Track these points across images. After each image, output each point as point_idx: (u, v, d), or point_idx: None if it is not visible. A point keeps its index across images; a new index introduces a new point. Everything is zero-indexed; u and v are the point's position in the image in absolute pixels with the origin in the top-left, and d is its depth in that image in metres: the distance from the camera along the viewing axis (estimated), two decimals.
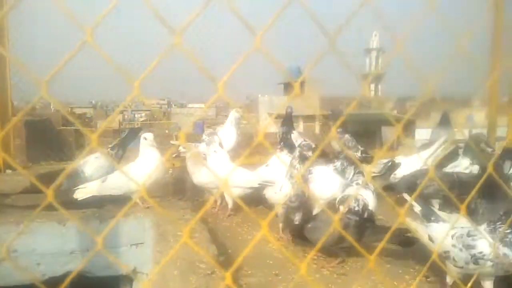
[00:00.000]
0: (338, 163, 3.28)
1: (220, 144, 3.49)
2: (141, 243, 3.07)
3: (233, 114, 4.42)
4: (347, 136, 4.45)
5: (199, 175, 3.62)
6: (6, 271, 2.79)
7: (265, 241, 3.04)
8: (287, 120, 4.51)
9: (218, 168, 3.12)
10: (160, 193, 3.71)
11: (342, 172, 3.25)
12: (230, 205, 3.54)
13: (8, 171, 3.65)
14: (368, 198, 2.83)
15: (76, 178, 3.59)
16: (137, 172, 3.15)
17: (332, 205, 3.16)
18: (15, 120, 3.35)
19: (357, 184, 3.06)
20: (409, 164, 3.52)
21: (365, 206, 2.76)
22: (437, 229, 2.20)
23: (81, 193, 3.30)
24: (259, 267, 2.63)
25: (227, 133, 4.29)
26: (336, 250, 2.69)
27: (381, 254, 2.73)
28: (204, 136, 3.34)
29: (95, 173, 3.64)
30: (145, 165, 3.20)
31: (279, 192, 3.14)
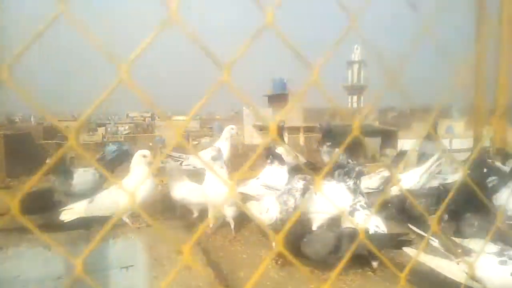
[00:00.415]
0: (351, 182, 3.22)
1: (225, 162, 3.42)
2: (131, 266, 2.96)
3: (229, 131, 4.38)
4: (337, 150, 4.45)
5: (179, 190, 3.60)
6: None
7: (261, 261, 2.98)
8: (278, 134, 4.49)
9: (218, 186, 3.05)
10: (149, 211, 3.61)
11: (354, 191, 3.22)
12: (232, 225, 3.42)
13: None
14: (379, 224, 2.80)
15: (64, 185, 3.66)
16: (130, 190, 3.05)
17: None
18: None
19: (362, 206, 3.00)
20: (404, 180, 3.53)
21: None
22: (485, 265, 1.95)
23: (68, 214, 3.18)
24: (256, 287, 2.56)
25: (222, 148, 4.25)
26: (333, 261, 2.65)
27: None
28: (212, 151, 3.24)
29: (82, 186, 3.66)
30: (137, 183, 3.10)
31: (265, 214, 2.97)
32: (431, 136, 4.94)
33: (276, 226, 2.84)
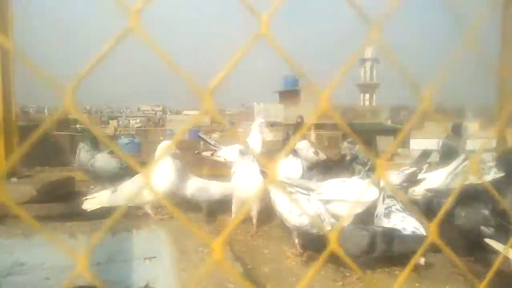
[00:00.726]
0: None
1: (254, 160, 3.35)
2: (154, 257, 2.94)
3: (259, 125, 4.32)
4: (358, 147, 4.38)
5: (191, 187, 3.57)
6: (13, 286, 2.65)
7: (284, 256, 2.95)
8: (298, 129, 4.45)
9: (247, 182, 3.01)
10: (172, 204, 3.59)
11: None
12: (254, 220, 3.37)
13: (13, 179, 3.50)
14: (417, 225, 2.68)
15: (88, 155, 3.73)
16: (155, 181, 3.01)
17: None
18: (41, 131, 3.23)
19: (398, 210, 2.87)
20: (429, 180, 3.44)
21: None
22: None
23: (90, 203, 3.15)
24: (282, 284, 2.53)
25: (254, 142, 4.23)
26: (366, 260, 2.59)
27: None
28: (240, 147, 3.20)
29: (104, 168, 3.70)
30: (163, 174, 3.07)
31: (296, 215, 2.81)
32: (455, 136, 4.84)
33: (304, 229, 2.78)
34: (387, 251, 2.52)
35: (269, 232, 3.44)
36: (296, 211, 2.79)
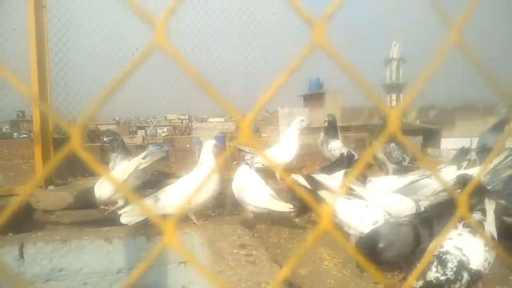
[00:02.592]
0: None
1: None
2: (189, 261, 2.92)
3: (299, 123, 4.24)
4: (392, 144, 4.24)
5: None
6: None
7: (320, 258, 2.86)
8: (331, 129, 4.36)
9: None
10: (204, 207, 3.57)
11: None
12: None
13: (51, 187, 3.60)
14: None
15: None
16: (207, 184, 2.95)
17: None
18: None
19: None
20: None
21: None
22: None
23: (130, 216, 2.96)
24: (319, 286, 2.45)
25: (290, 141, 4.17)
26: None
27: None
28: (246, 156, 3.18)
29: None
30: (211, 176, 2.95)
31: (370, 225, 2.60)
32: (496, 132, 4.59)
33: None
34: (431, 237, 2.37)
35: (303, 235, 3.37)
36: (368, 218, 2.66)
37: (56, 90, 4.33)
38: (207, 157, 3.11)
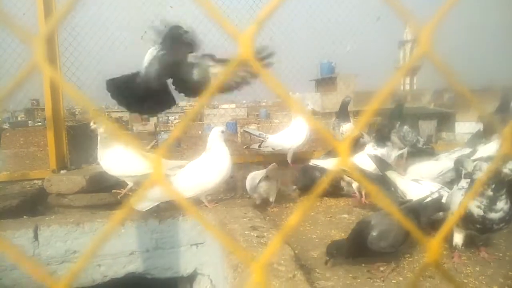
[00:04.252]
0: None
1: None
2: (201, 243, 2.93)
3: (306, 107, 4.24)
4: (406, 127, 4.15)
5: None
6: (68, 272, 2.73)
7: (331, 241, 2.83)
8: (343, 112, 4.28)
9: None
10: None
11: None
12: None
13: (63, 171, 3.64)
14: None
15: None
16: (212, 168, 2.98)
17: None
18: None
19: None
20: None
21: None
22: None
23: (143, 202, 2.86)
24: (332, 269, 2.42)
25: (298, 124, 4.13)
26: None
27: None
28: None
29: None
30: (219, 161, 3.02)
31: None
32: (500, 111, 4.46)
33: None
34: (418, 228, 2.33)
35: (316, 218, 3.33)
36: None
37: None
38: (214, 143, 3.09)
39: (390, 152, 3.46)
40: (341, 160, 0.52)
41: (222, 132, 3.09)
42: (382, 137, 3.50)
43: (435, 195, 2.56)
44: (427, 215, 2.45)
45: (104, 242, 0.51)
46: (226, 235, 2.34)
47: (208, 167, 3.01)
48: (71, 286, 0.48)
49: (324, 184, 0.59)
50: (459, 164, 2.65)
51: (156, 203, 2.89)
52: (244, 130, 4.52)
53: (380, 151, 3.38)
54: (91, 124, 3.29)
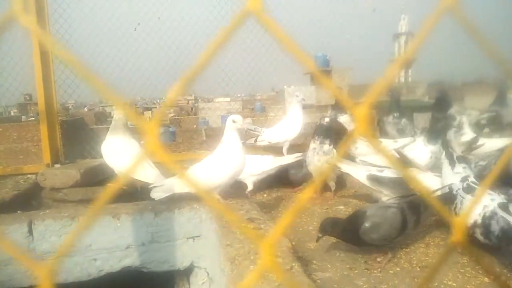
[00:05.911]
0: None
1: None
2: (197, 236, 2.92)
3: (295, 98, 4.24)
4: (404, 120, 4.16)
5: None
6: (63, 267, 2.71)
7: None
8: (339, 103, 4.28)
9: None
10: None
11: None
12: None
13: (57, 165, 3.60)
14: None
15: None
16: (221, 163, 2.88)
17: None
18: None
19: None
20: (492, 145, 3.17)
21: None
22: None
23: (159, 191, 2.90)
24: (329, 260, 2.42)
25: (295, 115, 4.15)
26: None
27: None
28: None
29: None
30: (229, 155, 2.90)
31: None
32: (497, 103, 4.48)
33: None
34: (418, 223, 2.36)
35: (312, 210, 3.33)
36: None
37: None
38: (226, 134, 2.94)
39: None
40: (358, 128, 0.50)
41: (234, 121, 2.87)
42: (435, 134, 3.24)
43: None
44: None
45: (94, 219, 0.49)
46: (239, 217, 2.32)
47: (217, 161, 2.90)
48: (56, 269, 0.46)
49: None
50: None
51: (171, 193, 2.87)
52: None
53: (431, 149, 3.17)
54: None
